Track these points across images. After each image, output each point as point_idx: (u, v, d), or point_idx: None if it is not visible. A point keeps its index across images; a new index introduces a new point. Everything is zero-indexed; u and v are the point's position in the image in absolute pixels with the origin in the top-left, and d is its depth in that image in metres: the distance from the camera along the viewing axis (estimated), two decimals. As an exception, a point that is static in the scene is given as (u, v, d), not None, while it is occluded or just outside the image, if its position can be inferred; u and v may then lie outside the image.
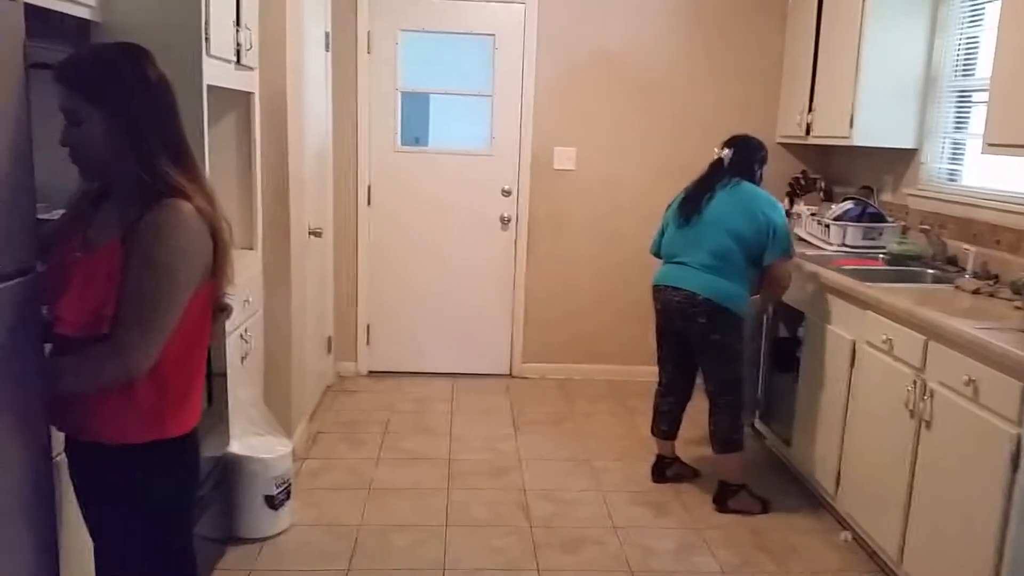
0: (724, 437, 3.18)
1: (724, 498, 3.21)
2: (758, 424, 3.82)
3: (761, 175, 3.24)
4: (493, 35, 4.43)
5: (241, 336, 2.85)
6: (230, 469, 2.72)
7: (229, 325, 2.56)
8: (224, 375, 2.60)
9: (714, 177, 3.17)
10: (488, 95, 4.50)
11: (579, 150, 4.53)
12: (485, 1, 4.40)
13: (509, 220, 4.58)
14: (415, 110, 4.62)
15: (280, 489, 2.81)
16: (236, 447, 2.74)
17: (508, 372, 4.74)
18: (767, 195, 3.14)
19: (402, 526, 2.99)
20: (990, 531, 2.17)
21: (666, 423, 3.40)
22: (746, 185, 3.13)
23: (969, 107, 3.46)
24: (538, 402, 4.37)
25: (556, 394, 4.50)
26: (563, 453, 3.72)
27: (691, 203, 3.16)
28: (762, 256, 3.08)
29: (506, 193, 4.55)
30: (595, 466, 3.58)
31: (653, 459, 3.46)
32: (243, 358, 2.88)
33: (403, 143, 4.53)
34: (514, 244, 4.61)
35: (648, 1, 4.40)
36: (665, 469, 3.44)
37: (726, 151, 3.19)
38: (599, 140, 4.53)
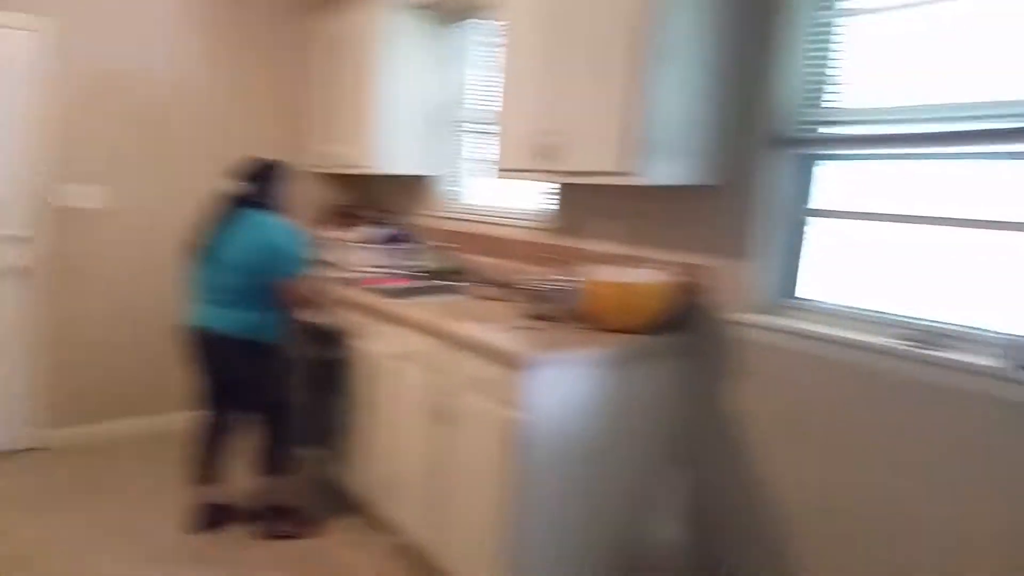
0: (268, 463, 3.19)
1: (273, 525, 3.21)
2: (306, 448, 3.77)
3: (281, 197, 3.15)
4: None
5: None
6: None
7: None
8: None
9: (228, 210, 3.05)
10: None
11: (110, 187, 4.08)
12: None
13: (23, 271, 3.93)
14: None
15: None
16: None
17: (33, 446, 4.04)
18: (277, 220, 3.06)
19: None
20: (504, 508, 2.42)
21: (211, 465, 3.25)
22: (257, 215, 3.03)
23: (473, 136, 3.91)
24: (70, 473, 3.78)
25: (93, 460, 3.94)
26: (99, 525, 3.26)
27: (206, 240, 3.04)
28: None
29: (16, 240, 3.91)
30: (138, 530, 3.22)
31: (202, 508, 3.25)
32: None
33: None
34: (31, 299, 3.97)
35: (171, 32, 4.16)
36: (214, 515, 3.25)
37: (240, 183, 3.09)
38: (131, 175, 4.14)
